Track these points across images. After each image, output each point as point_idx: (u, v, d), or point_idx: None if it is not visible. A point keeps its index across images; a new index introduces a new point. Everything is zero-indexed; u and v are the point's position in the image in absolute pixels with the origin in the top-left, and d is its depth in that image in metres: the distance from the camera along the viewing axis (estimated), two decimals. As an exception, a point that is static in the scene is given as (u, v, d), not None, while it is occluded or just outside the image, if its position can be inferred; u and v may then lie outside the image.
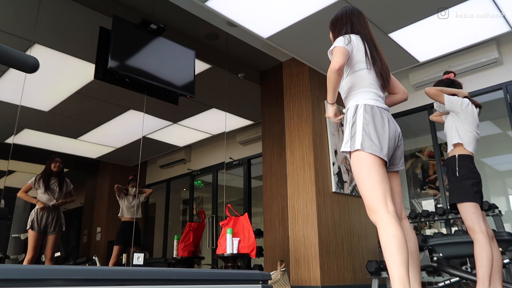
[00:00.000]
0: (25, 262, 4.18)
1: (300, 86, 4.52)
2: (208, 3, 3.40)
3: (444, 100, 2.79)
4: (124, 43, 3.55)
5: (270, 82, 5.14)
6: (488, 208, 3.71)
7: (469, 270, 3.01)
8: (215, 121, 6.15)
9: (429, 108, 4.74)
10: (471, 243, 2.66)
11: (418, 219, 4.31)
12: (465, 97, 2.88)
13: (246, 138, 6.52)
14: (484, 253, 2.50)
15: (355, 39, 2.02)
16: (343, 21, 2.15)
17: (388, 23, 3.76)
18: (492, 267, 2.52)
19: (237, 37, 4.21)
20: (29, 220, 4.30)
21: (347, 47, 1.94)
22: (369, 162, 1.79)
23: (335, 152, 4.41)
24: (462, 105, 2.79)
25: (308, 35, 3.92)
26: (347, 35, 2.01)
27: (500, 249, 2.81)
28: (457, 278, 2.90)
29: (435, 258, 3.00)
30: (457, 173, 2.71)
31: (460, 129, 2.78)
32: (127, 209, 5.58)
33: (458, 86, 3.01)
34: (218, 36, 4.42)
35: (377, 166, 1.79)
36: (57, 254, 4.93)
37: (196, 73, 4.09)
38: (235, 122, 6.22)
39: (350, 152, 1.88)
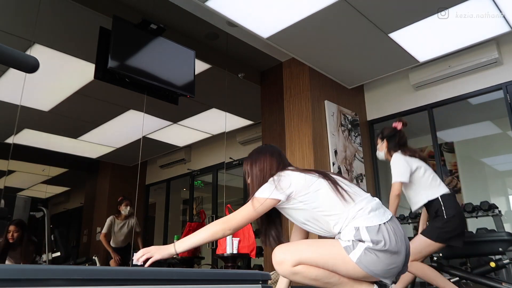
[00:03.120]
0: None
1: (300, 86, 4.51)
2: (208, 3, 3.40)
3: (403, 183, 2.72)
4: (124, 43, 3.55)
5: (270, 82, 5.13)
6: (488, 208, 3.71)
7: (469, 270, 3.01)
8: (215, 121, 6.14)
9: (429, 108, 4.74)
10: (471, 243, 2.66)
11: (418, 219, 4.30)
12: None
13: (246, 138, 6.52)
14: (426, 269, 2.67)
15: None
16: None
17: (388, 23, 3.76)
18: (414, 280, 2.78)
19: (237, 37, 4.20)
20: None
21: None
22: None
23: (335, 152, 4.41)
24: (413, 168, 2.73)
25: (308, 35, 3.92)
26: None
27: (500, 249, 2.82)
28: (457, 278, 2.90)
29: (435, 258, 3.00)
30: (444, 215, 2.63)
31: (422, 186, 2.73)
32: (118, 235, 5.24)
33: (402, 139, 2.90)
34: (218, 36, 4.42)
35: None
36: (57, 254, 4.91)
37: (196, 73, 4.08)
38: (235, 122, 6.22)
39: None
